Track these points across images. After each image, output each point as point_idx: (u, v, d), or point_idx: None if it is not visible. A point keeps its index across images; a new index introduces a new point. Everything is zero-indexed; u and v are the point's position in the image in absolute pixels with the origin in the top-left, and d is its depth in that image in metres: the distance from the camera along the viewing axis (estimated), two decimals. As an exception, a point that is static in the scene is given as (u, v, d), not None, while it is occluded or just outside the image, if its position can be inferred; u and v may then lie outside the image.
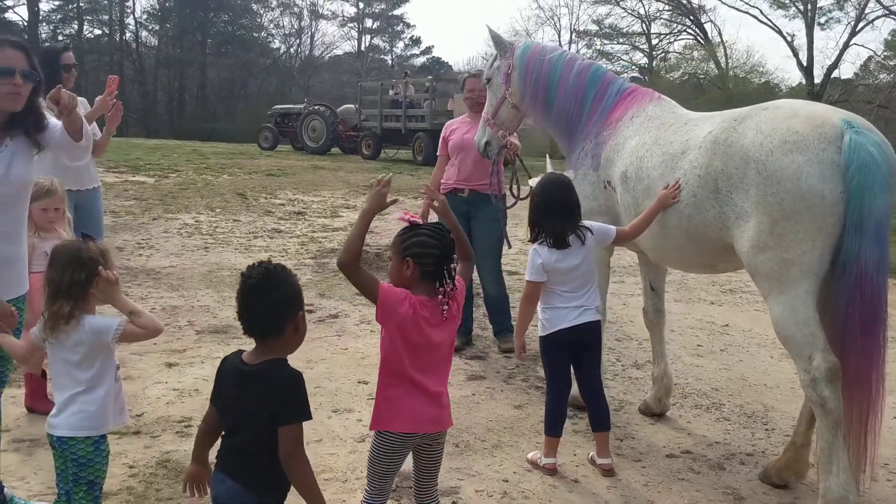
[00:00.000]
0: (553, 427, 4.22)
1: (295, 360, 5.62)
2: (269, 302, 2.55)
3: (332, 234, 10.65)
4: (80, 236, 3.13)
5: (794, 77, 56.68)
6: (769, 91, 44.03)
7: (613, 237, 4.23)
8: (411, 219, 3.05)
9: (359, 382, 5.32)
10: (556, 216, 4.07)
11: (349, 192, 14.51)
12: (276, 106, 32.22)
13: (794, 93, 45.42)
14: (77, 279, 2.86)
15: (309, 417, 2.58)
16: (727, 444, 4.66)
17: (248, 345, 2.70)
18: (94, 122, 5.63)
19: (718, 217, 3.82)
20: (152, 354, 5.64)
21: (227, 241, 9.80)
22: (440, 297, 2.93)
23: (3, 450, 4.10)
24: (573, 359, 4.24)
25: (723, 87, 42.90)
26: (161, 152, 20.13)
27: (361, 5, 62.02)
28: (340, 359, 5.82)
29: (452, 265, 2.96)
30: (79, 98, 5.73)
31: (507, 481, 4.08)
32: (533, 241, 4.17)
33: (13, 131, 3.30)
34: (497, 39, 5.26)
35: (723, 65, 46.95)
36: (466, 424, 4.73)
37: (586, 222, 4.18)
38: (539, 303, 4.21)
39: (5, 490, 3.57)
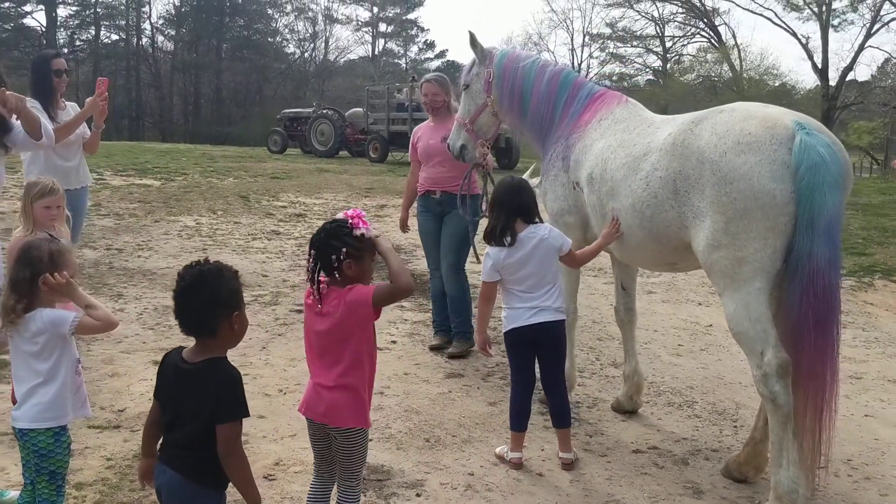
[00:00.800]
0: (517, 422, 4.33)
1: (279, 357, 5.79)
2: (202, 302, 2.64)
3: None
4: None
5: (809, 79, 56.37)
6: (785, 93, 43.90)
7: (566, 252, 4.32)
8: (347, 214, 3.19)
9: (339, 380, 5.44)
10: (493, 213, 4.29)
11: (351, 195, 14.65)
12: (286, 110, 32.46)
13: (809, 95, 45.28)
14: (22, 276, 3.01)
15: (245, 415, 2.68)
16: (694, 440, 4.74)
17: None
18: (84, 122, 5.81)
19: (678, 217, 3.92)
20: (140, 353, 5.79)
21: (226, 242, 9.96)
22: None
23: (-14, 443, 4.26)
24: (536, 356, 4.35)
25: (737, 89, 42.80)
26: (170, 156, 20.38)
27: (375, 10, 62.31)
28: (324, 357, 5.93)
29: (312, 259, 3.13)
30: (68, 103, 5.90)
31: (472, 475, 4.18)
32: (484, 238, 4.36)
33: None
34: (479, 46, 5.33)
35: (737, 67, 46.85)
36: (439, 420, 4.84)
37: (546, 226, 4.31)
38: (502, 302, 4.35)
39: (-16, 479, 3.71)
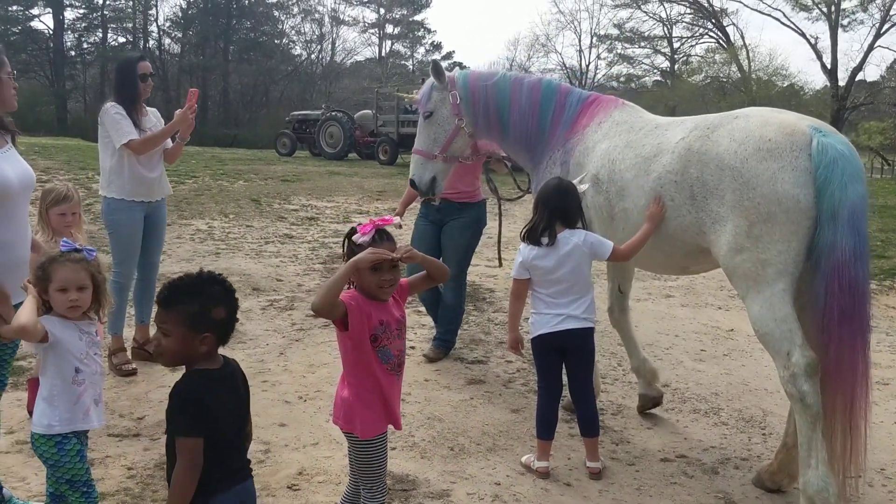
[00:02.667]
0: (544, 430, 4.26)
1: (297, 364, 5.72)
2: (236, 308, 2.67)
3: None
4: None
5: (818, 80, 56.12)
6: (794, 94, 43.68)
7: (609, 253, 4.20)
8: (379, 223, 3.13)
9: (359, 386, 5.38)
10: (536, 212, 4.24)
11: (363, 198, 14.58)
12: (294, 112, 32.43)
13: (818, 95, 45.08)
14: None
15: None
16: (723, 448, 4.67)
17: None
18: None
19: (695, 222, 3.92)
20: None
21: (239, 246, 9.91)
22: None
23: (6, 451, 4.21)
24: (564, 364, 4.28)
25: (745, 90, 42.62)
26: (179, 159, 20.35)
27: (382, 11, 62.29)
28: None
29: None
30: (149, 109, 5.78)
31: (499, 484, 4.11)
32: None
33: (7, 134, 3.42)
34: (439, 72, 5.16)
35: (745, 68, 46.66)
36: (462, 428, 4.77)
37: (582, 232, 4.21)
38: (530, 307, 4.30)
39: (4, 490, 3.66)
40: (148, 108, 5.75)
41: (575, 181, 4.40)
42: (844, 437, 3.62)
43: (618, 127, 4.55)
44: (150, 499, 3.80)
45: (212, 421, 2.52)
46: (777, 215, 3.61)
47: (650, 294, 8.15)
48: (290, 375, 5.51)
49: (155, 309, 2.70)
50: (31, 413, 4.65)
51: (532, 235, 4.18)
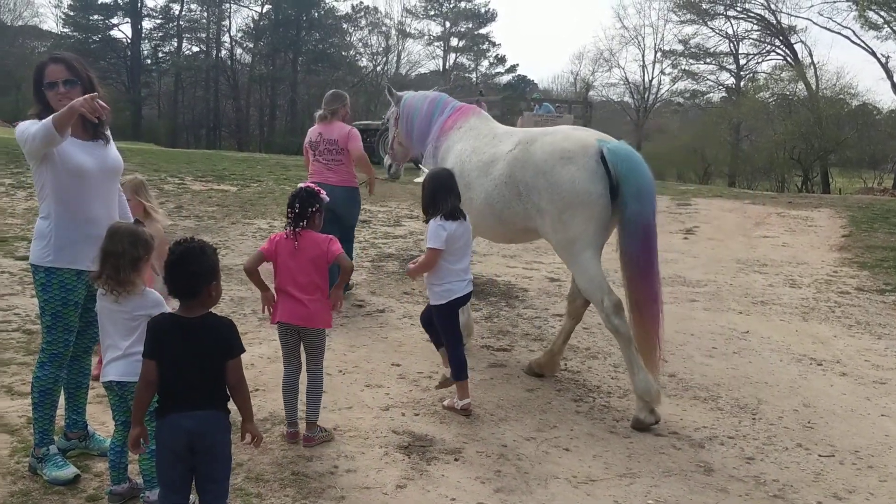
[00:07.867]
0: (460, 372, 5.14)
1: (339, 344, 6.41)
2: (189, 273, 3.23)
3: (392, 240, 11.45)
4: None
5: (887, 99, 54.89)
6: (866, 114, 42.84)
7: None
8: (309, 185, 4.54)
9: (392, 365, 6.03)
10: (449, 195, 5.11)
11: (414, 204, 15.21)
12: (356, 122, 33.35)
13: (890, 116, 44.10)
14: (138, 255, 3.67)
15: (244, 350, 3.32)
16: (713, 428, 5.17)
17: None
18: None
19: (523, 211, 5.42)
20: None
21: (296, 244, 10.67)
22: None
23: (90, 402, 4.94)
24: None
25: (812, 108, 42.04)
26: (246, 164, 21.30)
27: (448, 24, 63.21)
28: (380, 345, 6.53)
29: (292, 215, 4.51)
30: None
31: (505, 446, 4.71)
32: (428, 218, 5.13)
33: (99, 133, 4.07)
34: (394, 94, 6.91)
35: (812, 86, 46.04)
36: (480, 401, 5.36)
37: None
38: (431, 279, 5.14)
39: (89, 427, 4.41)
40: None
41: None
42: (650, 349, 5.06)
43: (469, 132, 5.96)
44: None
45: (160, 352, 3.20)
46: (577, 205, 5.04)
47: (676, 298, 8.59)
48: (333, 353, 6.16)
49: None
50: (96, 378, 5.40)
51: (454, 213, 5.06)
